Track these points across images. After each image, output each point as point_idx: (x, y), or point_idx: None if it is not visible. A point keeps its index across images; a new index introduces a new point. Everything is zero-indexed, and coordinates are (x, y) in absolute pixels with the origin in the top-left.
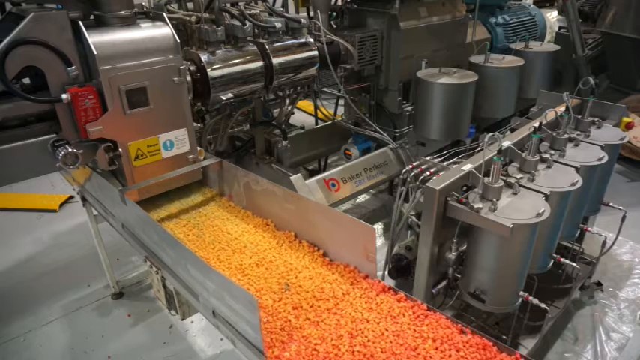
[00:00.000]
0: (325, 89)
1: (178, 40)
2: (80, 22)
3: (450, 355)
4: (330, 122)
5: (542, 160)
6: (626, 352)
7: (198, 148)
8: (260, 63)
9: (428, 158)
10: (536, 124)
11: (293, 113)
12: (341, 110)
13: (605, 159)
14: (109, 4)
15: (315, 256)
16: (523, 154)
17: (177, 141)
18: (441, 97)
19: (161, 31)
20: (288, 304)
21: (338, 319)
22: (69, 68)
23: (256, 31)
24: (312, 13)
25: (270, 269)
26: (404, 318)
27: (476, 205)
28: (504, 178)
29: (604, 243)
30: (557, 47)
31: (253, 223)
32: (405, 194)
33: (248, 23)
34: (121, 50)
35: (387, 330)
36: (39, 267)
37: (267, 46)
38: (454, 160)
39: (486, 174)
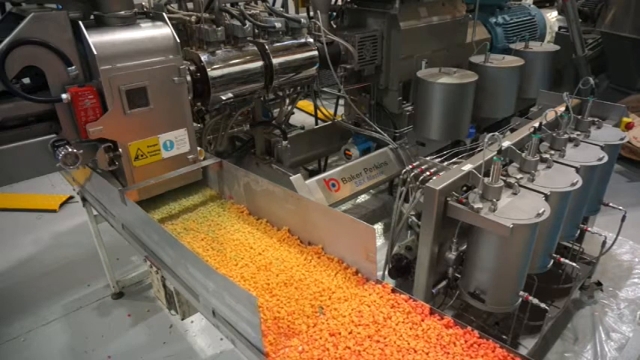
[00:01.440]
0: (325, 89)
1: (178, 40)
2: (80, 22)
3: None
4: (330, 122)
5: (542, 160)
6: (626, 352)
7: (198, 148)
8: (260, 63)
9: (428, 158)
10: (536, 124)
11: (293, 113)
12: (341, 110)
13: (605, 159)
14: (109, 4)
15: (347, 274)
16: (523, 154)
17: (177, 141)
18: (441, 97)
19: (161, 31)
20: (324, 331)
21: (382, 349)
22: (69, 68)
23: (256, 31)
24: (312, 13)
25: (300, 289)
26: (455, 348)
27: (476, 205)
28: (504, 178)
29: (604, 243)
30: (557, 47)
31: (277, 236)
32: (405, 194)
33: (248, 23)
34: (121, 50)
35: None
36: (39, 267)
37: (267, 46)
38: (454, 160)
39: (486, 174)
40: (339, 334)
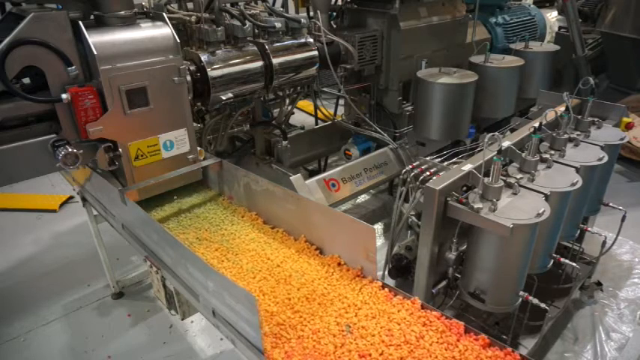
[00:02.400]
0: (325, 89)
1: (178, 40)
2: (80, 22)
3: None
4: (330, 122)
5: (542, 160)
6: (626, 352)
7: (198, 148)
8: (260, 63)
9: (428, 158)
10: (536, 124)
11: (293, 113)
12: (341, 110)
13: (605, 159)
14: (109, 4)
15: (373, 289)
16: (523, 154)
17: (177, 141)
18: (441, 97)
19: (161, 31)
20: (353, 352)
21: None
22: (69, 68)
23: (256, 31)
24: (312, 13)
25: (324, 305)
26: None
27: (476, 205)
28: (504, 178)
29: (604, 243)
30: (557, 47)
31: (295, 247)
32: (405, 194)
33: (248, 23)
34: (121, 50)
35: None
36: (39, 267)
37: (267, 46)
38: (454, 160)
39: (486, 174)
40: (370, 355)
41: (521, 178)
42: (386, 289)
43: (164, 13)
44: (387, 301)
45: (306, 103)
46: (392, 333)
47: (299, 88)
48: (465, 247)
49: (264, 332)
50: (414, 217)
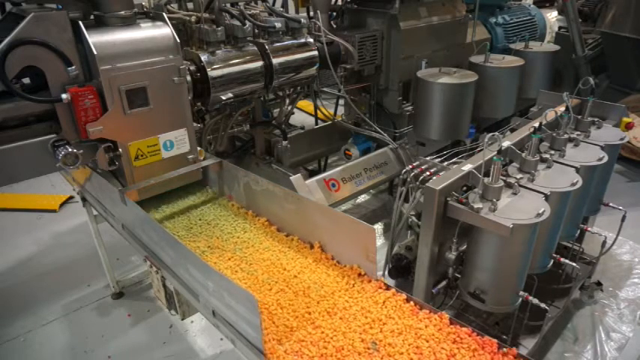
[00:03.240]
0: (325, 89)
1: (178, 40)
2: (80, 22)
3: None
4: (330, 122)
5: (542, 160)
6: (626, 352)
7: (198, 148)
8: (260, 63)
9: (428, 158)
10: (536, 124)
11: (293, 113)
12: (341, 110)
13: (605, 159)
14: (109, 4)
15: (398, 302)
16: (523, 154)
17: (177, 141)
18: (441, 97)
19: (161, 31)
20: None
21: None
22: (69, 68)
23: (256, 31)
24: (312, 13)
25: (346, 320)
26: None
27: (476, 205)
28: (504, 178)
29: (604, 243)
30: (557, 47)
31: (312, 256)
32: (405, 194)
33: (248, 23)
34: (121, 50)
35: None
36: (39, 267)
37: (267, 46)
38: (454, 160)
39: (486, 174)
40: None
41: (521, 178)
42: (411, 303)
43: (164, 13)
44: (413, 315)
45: (306, 103)
46: (421, 351)
47: (299, 88)
48: (465, 247)
49: (284, 350)
50: (414, 217)
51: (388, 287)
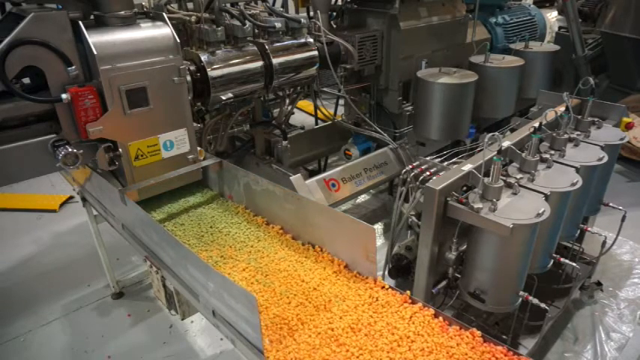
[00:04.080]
0: (325, 89)
1: (178, 40)
2: (80, 22)
3: None
4: (330, 122)
5: (542, 160)
6: (626, 352)
7: (198, 148)
8: (260, 63)
9: (428, 158)
10: (536, 124)
11: (293, 113)
12: (341, 110)
13: (605, 159)
14: (109, 4)
15: (426, 318)
16: (523, 154)
17: (177, 141)
18: (441, 97)
19: (161, 31)
20: None
21: None
22: (69, 68)
23: (256, 31)
24: (312, 13)
25: (372, 337)
26: None
27: (476, 205)
28: (504, 178)
29: (604, 243)
30: (557, 47)
31: (331, 267)
32: (405, 194)
33: (248, 23)
34: (121, 50)
35: None
36: (39, 267)
37: (267, 46)
38: (454, 160)
39: (486, 174)
40: None
41: (521, 178)
42: (440, 318)
43: (164, 13)
44: (443, 332)
45: (306, 103)
46: None
47: (299, 88)
48: (465, 247)
49: None
50: (414, 217)
51: (414, 301)
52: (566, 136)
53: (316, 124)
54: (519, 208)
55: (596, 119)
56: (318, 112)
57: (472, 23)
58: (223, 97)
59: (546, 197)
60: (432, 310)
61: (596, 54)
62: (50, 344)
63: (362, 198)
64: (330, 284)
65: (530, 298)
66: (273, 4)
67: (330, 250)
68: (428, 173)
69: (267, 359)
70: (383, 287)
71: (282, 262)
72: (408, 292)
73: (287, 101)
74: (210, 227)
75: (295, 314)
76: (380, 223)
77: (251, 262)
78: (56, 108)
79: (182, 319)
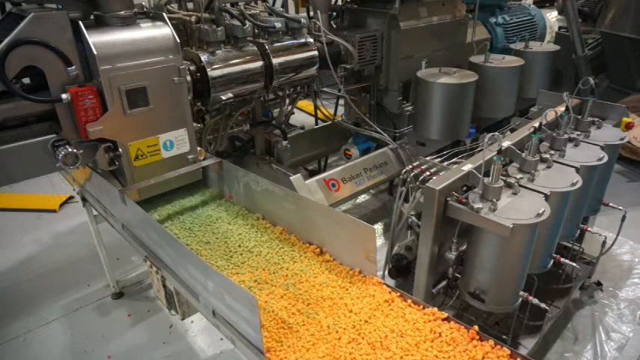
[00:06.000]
0: (325, 89)
1: (178, 40)
2: (80, 22)
3: None
4: (330, 122)
5: (542, 160)
6: (626, 352)
7: (198, 148)
8: (260, 63)
9: (428, 158)
10: (536, 124)
11: (293, 113)
12: (341, 110)
13: (605, 159)
14: (109, 4)
15: (499, 356)
16: (523, 154)
17: (177, 141)
18: (441, 97)
19: (161, 31)
20: None
21: None
22: (69, 68)
23: (256, 31)
24: (312, 13)
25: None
26: None
27: (476, 205)
28: (504, 178)
29: (604, 243)
30: (557, 47)
31: (381, 295)
32: (405, 194)
33: (248, 23)
34: (121, 50)
35: None
36: (39, 267)
37: (267, 46)
38: (454, 160)
39: (486, 174)
40: None
41: (521, 178)
42: (504, 347)
43: (164, 13)
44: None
45: (306, 103)
46: None
47: (299, 88)
48: (465, 247)
49: None
50: (414, 217)
51: (482, 338)
52: (566, 136)
53: (316, 124)
54: (519, 208)
55: (596, 119)
56: (318, 112)
57: (472, 23)
58: (223, 97)
59: (546, 197)
60: (507, 351)
61: (596, 54)
62: (50, 344)
63: (362, 198)
64: (383, 316)
65: (530, 298)
66: (273, 4)
67: (330, 251)
68: (428, 173)
69: None
70: (444, 319)
71: (324, 288)
72: (476, 327)
73: (287, 101)
74: (239, 246)
75: (348, 352)
76: (380, 223)
77: (289, 287)
78: (56, 108)
79: (182, 319)
